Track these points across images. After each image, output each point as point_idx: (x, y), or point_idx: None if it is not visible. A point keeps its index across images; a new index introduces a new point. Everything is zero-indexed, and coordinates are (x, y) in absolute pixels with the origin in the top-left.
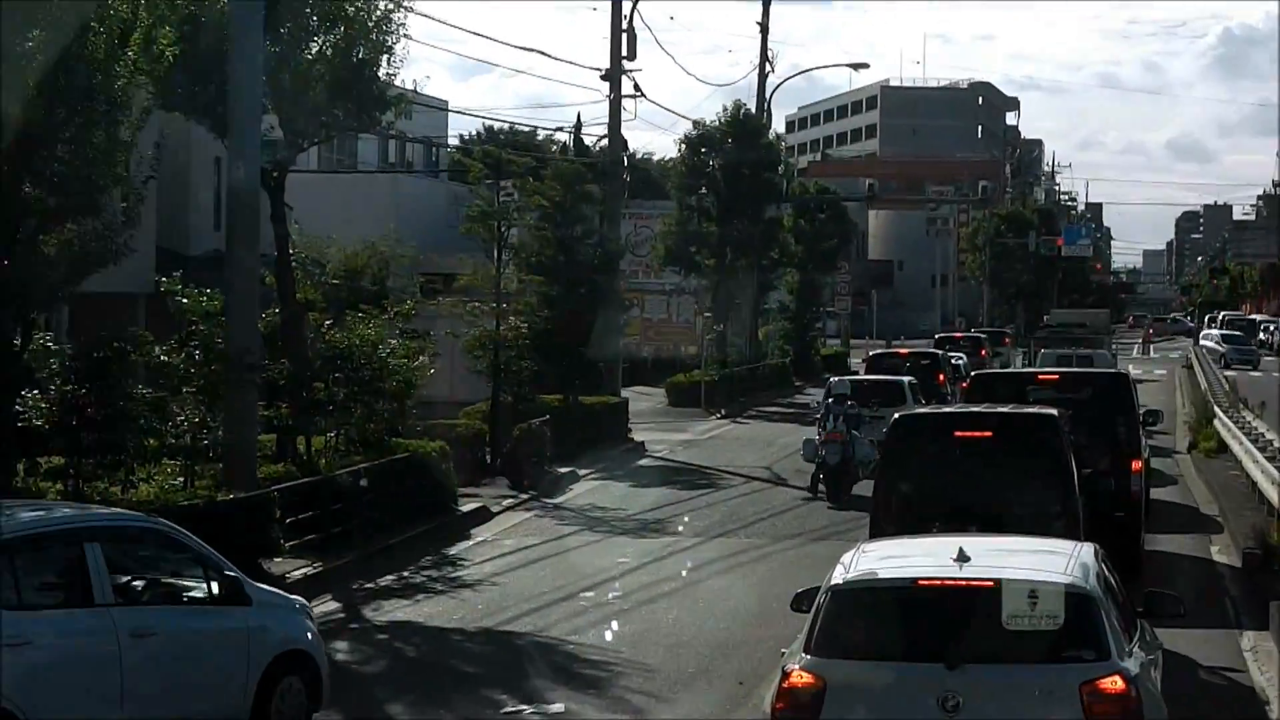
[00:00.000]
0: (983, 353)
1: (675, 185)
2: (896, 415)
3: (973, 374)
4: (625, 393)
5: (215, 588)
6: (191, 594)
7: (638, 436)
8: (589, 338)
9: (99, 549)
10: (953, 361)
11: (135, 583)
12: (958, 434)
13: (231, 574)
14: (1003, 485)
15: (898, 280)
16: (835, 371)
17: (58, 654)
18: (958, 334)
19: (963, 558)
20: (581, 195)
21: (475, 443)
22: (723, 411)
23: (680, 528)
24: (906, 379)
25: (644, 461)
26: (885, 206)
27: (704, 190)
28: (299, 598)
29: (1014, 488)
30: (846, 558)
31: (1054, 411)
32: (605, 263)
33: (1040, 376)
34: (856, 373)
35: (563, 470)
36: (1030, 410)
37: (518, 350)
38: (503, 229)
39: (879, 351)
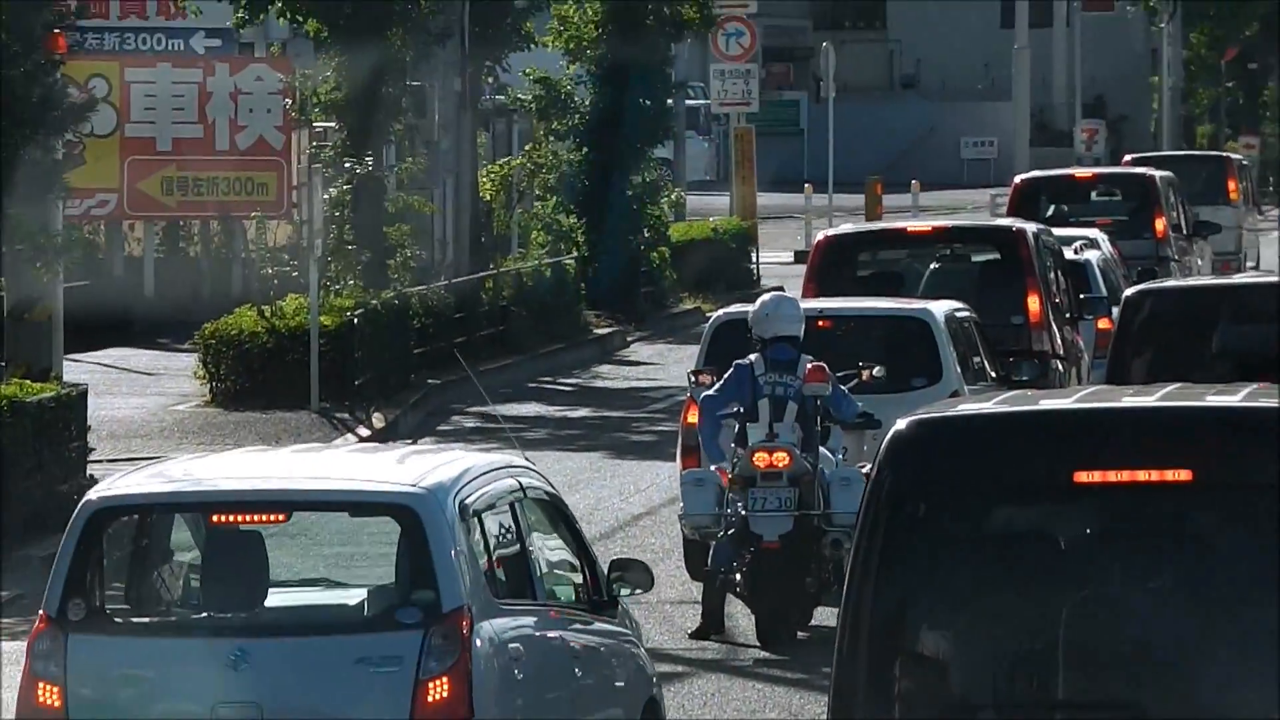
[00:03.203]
0: (1159, 225)
1: None
2: (903, 421)
3: (1130, 291)
4: (84, 368)
5: (591, 586)
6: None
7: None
8: None
9: (528, 515)
10: (1070, 254)
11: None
12: (1082, 478)
13: (600, 568)
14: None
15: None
16: (718, 290)
17: (532, 671)
18: (1083, 174)
19: None
20: None
21: None
22: (381, 418)
23: None
24: (942, 308)
25: None
26: None
27: None
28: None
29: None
30: None
31: None
32: None
33: None
34: (782, 289)
35: None
36: None
37: None
38: None
39: (848, 230)
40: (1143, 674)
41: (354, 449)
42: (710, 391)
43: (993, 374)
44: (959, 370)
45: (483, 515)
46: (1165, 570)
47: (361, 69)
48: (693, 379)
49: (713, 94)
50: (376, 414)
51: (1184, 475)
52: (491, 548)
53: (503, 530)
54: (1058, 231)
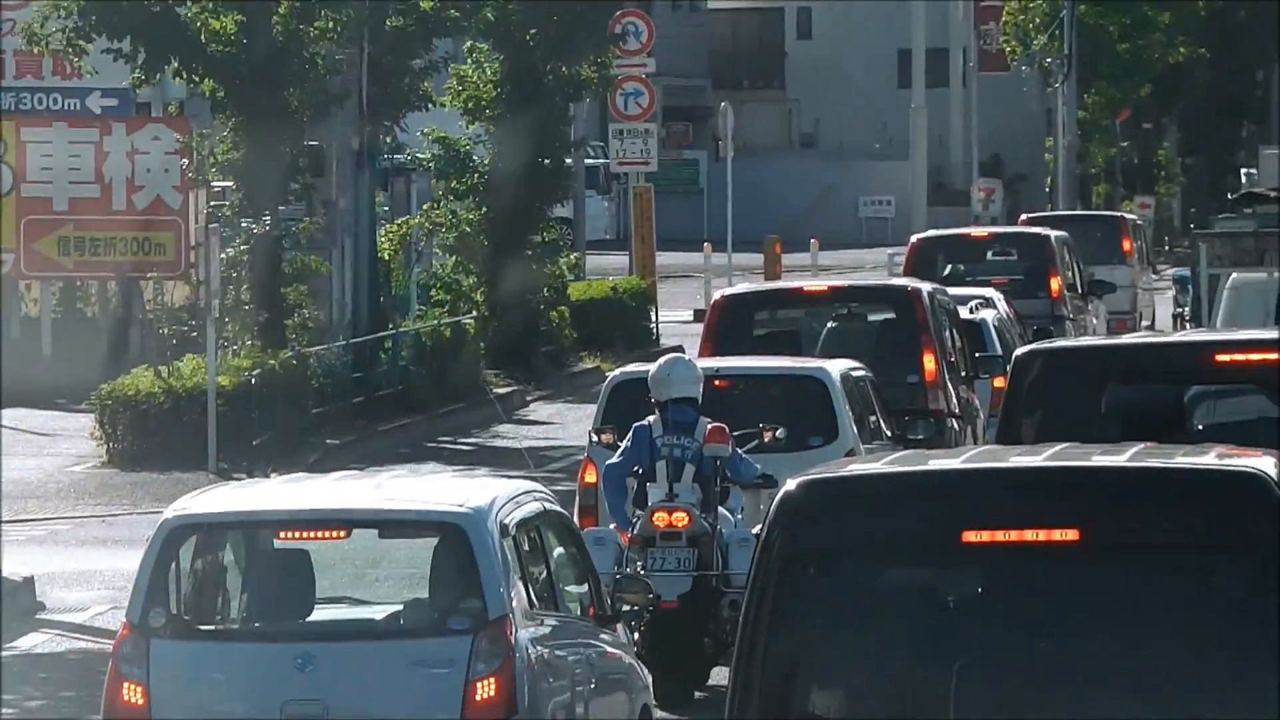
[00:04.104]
0: (1054, 284)
1: None
2: (793, 481)
3: (1020, 351)
4: None
5: (596, 601)
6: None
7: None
8: None
9: (548, 535)
10: (966, 314)
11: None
12: (970, 538)
13: (603, 586)
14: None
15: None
16: (617, 349)
17: (561, 677)
18: (978, 233)
19: None
20: None
21: None
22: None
23: None
24: (838, 367)
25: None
26: None
27: None
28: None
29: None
30: None
31: None
32: None
33: None
34: (681, 350)
35: None
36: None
37: None
38: None
39: (744, 290)
40: None
41: (390, 475)
42: (613, 459)
43: (889, 433)
44: (855, 429)
45: (516, 534)
46: (1054, 630)
47: (258, 129)
48: (594, 438)
49: (612, 153)
50: (275, 474)
51: (1071, 535)
52: (524, 563)
53: (532, 547)
54: (954, 291)
